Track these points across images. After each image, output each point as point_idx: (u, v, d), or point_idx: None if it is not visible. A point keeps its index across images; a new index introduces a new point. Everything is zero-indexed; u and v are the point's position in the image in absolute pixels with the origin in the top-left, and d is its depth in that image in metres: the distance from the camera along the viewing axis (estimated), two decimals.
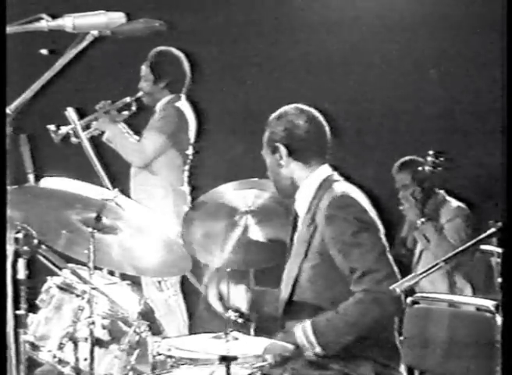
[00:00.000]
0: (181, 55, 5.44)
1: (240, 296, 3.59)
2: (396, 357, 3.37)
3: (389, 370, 3.32)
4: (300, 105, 3.50)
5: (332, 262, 3.28)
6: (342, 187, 3.41)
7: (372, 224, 3.34)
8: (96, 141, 5.11)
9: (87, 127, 5.24)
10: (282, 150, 3.43)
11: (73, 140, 5.05)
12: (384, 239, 3.34)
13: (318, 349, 3.22)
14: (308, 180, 3.44)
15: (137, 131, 5.48)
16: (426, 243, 5.52)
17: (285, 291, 3.44)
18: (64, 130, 5.13)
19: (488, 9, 5.61)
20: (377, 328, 3.24)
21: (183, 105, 5.41)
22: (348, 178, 3.50)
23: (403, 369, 3.37)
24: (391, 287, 2.98)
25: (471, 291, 5.49)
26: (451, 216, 5.56)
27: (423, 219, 5.52)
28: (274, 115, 3.51)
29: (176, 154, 5.35)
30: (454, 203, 5.63)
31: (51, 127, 5.18)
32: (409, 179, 5.63)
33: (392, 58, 6.11)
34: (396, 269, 3.24)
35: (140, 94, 5.40)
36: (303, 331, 3.23)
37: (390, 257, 3.28)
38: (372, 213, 3.37)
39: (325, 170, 3.47)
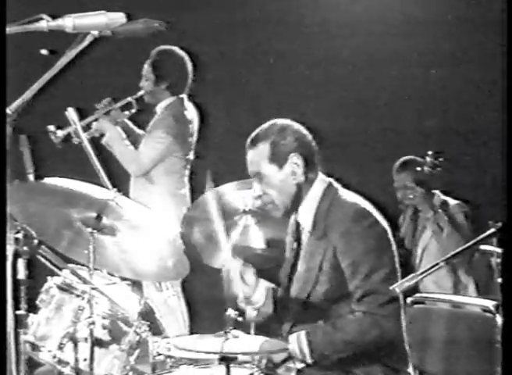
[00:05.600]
0: (184, 55, 5.36)
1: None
2: (406, 360, 3.30)
3: (399, 373, 3.27)
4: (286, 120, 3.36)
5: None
6: (349, 196, 3.30)
7: (385, 238, 3.25)
8: (96, 142, 5.08)
9: (87, 127, 5.20)
10: (300, 160, 3.28)
11: (75, 140, 4.99)
12: (395, 254, 3.26)
13: (309, 361, 3.17)
14: (312, 191, 3.31)
15: (140, 126, 5.46)
16: (439, 232, 5.52)
17: (301, 292, 3.35)
18: (63, 132, 5.08)
19: (488, 10, 5.62)
20: (373, 348, 3.17)
21: (186, 108, 5.35)
22: (345, 185, 3.40)
23: (411, 371, 3.32)
24: (391, 288, 2.96)
25: (475, 290, 5.49)
26: (453, 212, 5.58)
27: (433, 211, 5.55)
28: (269, 130, 3.30)
29: (176, 160, 5.27)
30: (452, 201, 5.66)
31: (51, 128, 5.12)
32: (410, 179, 5.63)
33: (394, 59, 6.11)
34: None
35: (141, 93, 5.32)
36: (297, 341, 3.17)
37: (398, 274, 3.21)
38: (384, 222, 3.28)
39: (324, 178, 3.36)
